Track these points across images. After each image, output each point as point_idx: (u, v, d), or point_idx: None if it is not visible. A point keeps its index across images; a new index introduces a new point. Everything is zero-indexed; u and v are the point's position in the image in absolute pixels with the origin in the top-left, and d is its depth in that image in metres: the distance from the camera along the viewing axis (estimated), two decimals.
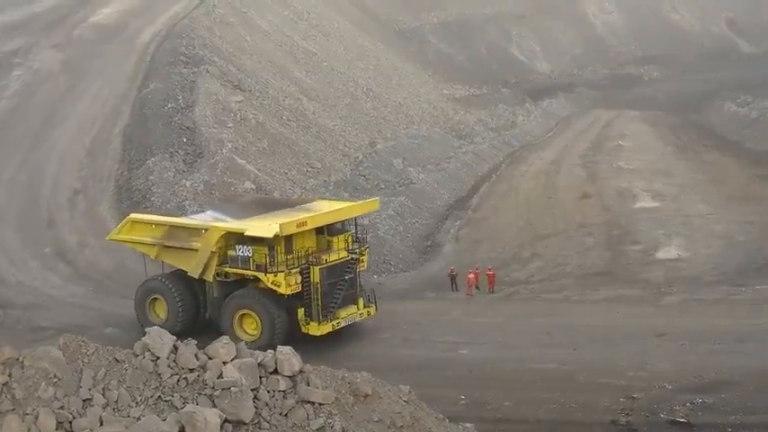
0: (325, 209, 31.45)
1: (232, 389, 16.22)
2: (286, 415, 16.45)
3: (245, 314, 29.77)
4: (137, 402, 16.07)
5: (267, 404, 16.46)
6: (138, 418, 15.65)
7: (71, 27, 63.98)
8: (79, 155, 48.73)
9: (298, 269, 28.90)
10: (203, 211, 34.28)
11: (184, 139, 47.39)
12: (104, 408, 15.83)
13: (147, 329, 17.32)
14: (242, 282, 30.24)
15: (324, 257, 29.47)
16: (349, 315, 30.13)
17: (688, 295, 34.45)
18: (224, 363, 16.71)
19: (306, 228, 29.34)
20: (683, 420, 23.83)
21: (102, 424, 15.54)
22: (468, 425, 20.52)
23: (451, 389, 26.04)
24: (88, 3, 68.96)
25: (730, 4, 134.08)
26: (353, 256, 30.52)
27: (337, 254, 30.05)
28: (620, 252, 40.62)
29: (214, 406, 16.03)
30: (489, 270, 36.94)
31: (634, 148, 69.81)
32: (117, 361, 16.55)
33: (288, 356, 16.89)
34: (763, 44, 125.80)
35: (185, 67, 54.85)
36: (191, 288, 31.08)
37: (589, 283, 36.45)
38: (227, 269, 30.08)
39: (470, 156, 63.10)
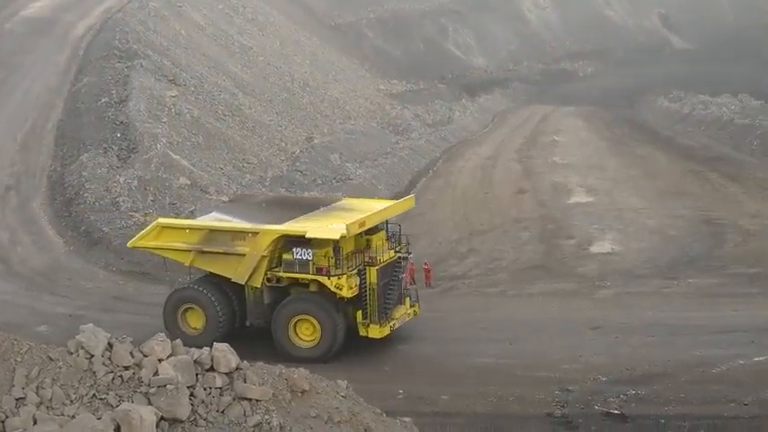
0: (363, 207, 30.33)
1: (168, 386, 16.09)
2: (223, 412, 16.37)
3: (300, 320, 28.28)
4: (71, 401, 15.88)
5: (203, 401, 16.37)
6: (73, 417, 15.46)
7: (2, 20, 62.89)
8: (11, 150, 47.94)
9: (355, 270, 27.86)
10: (208, 213, 32.60)
11: (118, 135, 46.88)
12: (38, 406, 15.61)
13: (81, 327, 17.06)
14: (287, 287, 28.85)
15: (378, 258, 28.47)
16: (401, 315, 29.20)
17: (621, 289, 34.87)
18: (159, 360, 16.57)
19: (364, 228, 28.42)
20: (617, 412, 24.16)
21: (35, 423, 15.32)
22: (407, 419, 20.59)
23: (389, 384, 26.13)
24: None
25: None
26: (401, 254, 29.65)
27: (387, 253, 29.01)
28: (555, 246, 41.02)
29: (150, 404, 15.90)
30: (426, 265, 37.04)
31: (569, 144, 70.57)
32: (51, 359, 16.33)
33: (224, 353, 16.81)
34: (696, 40, 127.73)
35: (119, 62, 54.25)
36: (226, 295, 29.29)
37: (525, 278, 36.75)
38: (280, 274, 28.32)
39: (407, 151, 63.24)
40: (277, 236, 28.27)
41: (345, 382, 18.75)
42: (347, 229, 27.35)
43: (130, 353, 16.58)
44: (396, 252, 29.55)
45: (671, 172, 57.39)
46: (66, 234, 41.57)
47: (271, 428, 16.33)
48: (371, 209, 30.14)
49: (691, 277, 35.69)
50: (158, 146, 45.41)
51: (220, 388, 16.58)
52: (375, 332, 28.30)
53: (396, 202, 31.66)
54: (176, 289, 30.21)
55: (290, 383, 17.21)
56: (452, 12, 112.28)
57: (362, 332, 28.47)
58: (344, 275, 27.44)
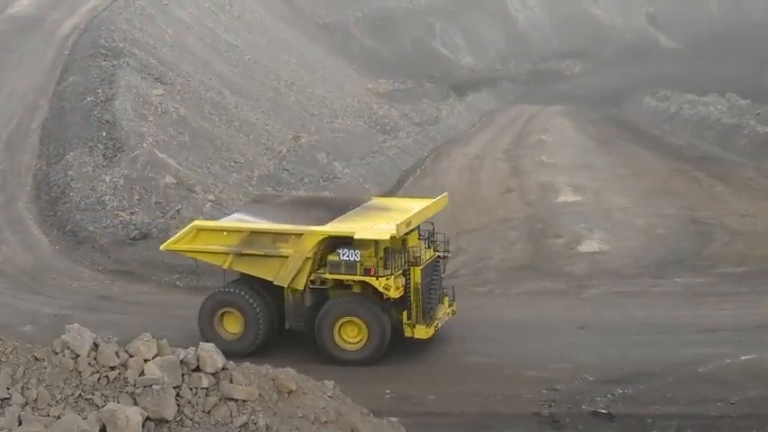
0: (399, 207, 30.10)
1: (154, 387, 16.01)
2: (209, 412, 16.29)
3: (345, 322, 27.79)
4: (57, 401, 15.80)
5: (190, 402, 16.29)
6: (58, 417, 15.38)
7: None
8: None
9: (400, 271, 27.54)
10: (231, 214, 32.11)
11: (104, 133, 46.67)
12: (23, 407, 15.52)
13: (67, 327, 16.95)
14: (327, 290, 28.32)
15: (421, 257, 28.13)
16: (443, 315, 28.89)
17: (609, 288, 34.90)
18: (145, 360, 16.49)
19: (410, 228, 28.11)
20: (604, 411, 24.16)
21: (20, 423, 15.22)
22: (394, 419, 20.56)
23: (377, 384, 26.06)
24: None
25: None
26: (440, 253, 29.35)
27: (427, 252, 28.68)
28: (543, 246, 41.02)
29: (136, 404, 15.83)
30: None
31: (556, 143, 70.58)
32: (36, 359, 16.23)
33: (210, 353, 16.73)
34: (683, 39, 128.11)
35: (105, 60, 54.03)
36: (264, 298, 28.67)
37: (513, 277, 36.73)
38: (325, 275, 27.74)
39: (395, 150, 63.20)
40: (322, 237, 27.76)
41: (332, 382, 18.70)
42: (397, 229, 27.07)
43: (116, 353, 16.49)
44: (434, 251, 29.22)
45: (658, 171, 57.49)
46: (52, 233, 41.42)
47: (257, 429, 16.27)
48: (407, 208, 29.91)
49: (678, 276, 35.74)
50: (144, 145, 45.24)
51: (207, 388, 16.50)
52: (422, 332, 27.93)
53: (433, 200, 30.98)
54: (214, 292, 29.55)
55: (276, 384, 17.14)
56: (440, 11, 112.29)
57: (408, 333, 28.09)
58: (392, 276, 27.14)
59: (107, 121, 47.45)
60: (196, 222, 30.35)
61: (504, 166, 61.38)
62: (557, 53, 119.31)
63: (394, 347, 28.05)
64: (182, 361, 16.62)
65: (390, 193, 52.47)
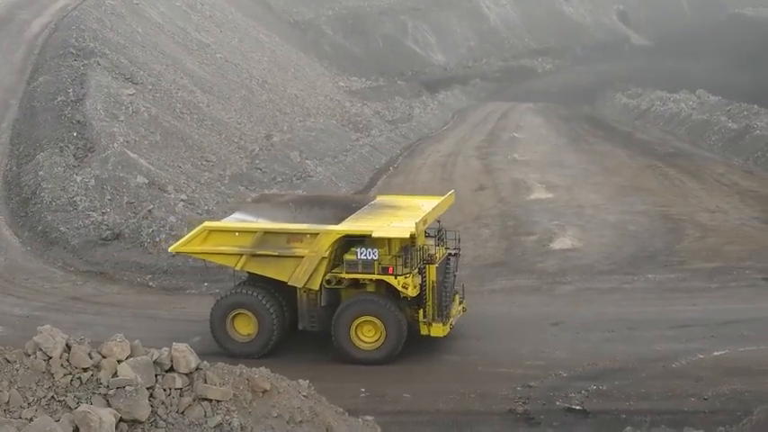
0: (407, 204, 30.08)
1: (127, 388, 15.93)
2: (183, 413, 16.23)
3: (362, 322, 27.56)
4: (29, 403, 15.69)
5: (163, 402, 16.21)
6: (31, 419, 15.27)
7: None
8: None
9: (417, 269, 27.35)
10: (230, 214, 31.39)
11: (75, 134, 46.35)
12: None
13: (39, 329, 16.80)
14: (339, 290, 28.08)
15: (435, 255, 28.02)
16: (456, 313, 28.81)
17: (582, 284, 35.03)
18: (118, 361, 16.40)
19: (426, 226, 27.99)
20: (578, 407, 24.25)
21: None
22: (369, 417, 20.57)
23: (352, 382, 26.05)
24: None
25: None
26: (451, 251, 29.15)
27: (439, 250, 28.54)
28: (516, 243, 41.10)
29: (109, 405, 15.74)
30: None
31: (528, 140, 70.86)
32: (8, 361, 16.11)
33: (184, 353, 16.66)
34: (654, 36, 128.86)
35: (75, 60, 53.66)
36: (276, 299, 28.32)
37: (486, 274, 36.77)
38: (342, 275, 27.41)
39: (367, 148, 63.20)
40: (339, 236, 27.51)
41: (307, 381, 18.66)
42: (416, 227, 26.99)
43: (89, 354, 16.39)
44: (446, 249, 29.08)
45: (630, 168, 57.79)
46: (23, 234, 41.14)
47: (232, 429, 16.22)
48: (416, 205, 29.87)
49: (650, 272, 35.90)
50: (115, 145, 44.97)
51: (180, 389, 16.43)
52: (438, 330, 27.84)
53: (443, 198, 30.80)
54: (226, 294, 29.02)
55: (250, 383, 17.09)
56: (411, 9, 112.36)
57: (424, 331, 27.96)
58: (410, 274, 26.99)
59: (78, 121, 47.13)
60: (207, 223, 29.73)
61: (476, 164, 61.50)
62: (528, 51, 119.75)
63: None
64: (155, 361, 16.54)
65: (363, 191, 52.43)
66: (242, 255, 28.17)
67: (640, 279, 35.22)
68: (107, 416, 15.26)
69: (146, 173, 43.85)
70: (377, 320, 27.52)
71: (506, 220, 44.82)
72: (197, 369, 16.71)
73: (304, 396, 17.97)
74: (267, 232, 28.19)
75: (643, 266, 36.71)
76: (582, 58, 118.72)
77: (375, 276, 27.21)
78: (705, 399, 24.31)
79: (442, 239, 29.13)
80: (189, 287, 36.44)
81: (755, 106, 65.87)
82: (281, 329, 28.32)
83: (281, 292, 28.39)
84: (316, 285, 27.77)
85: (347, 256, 27.29)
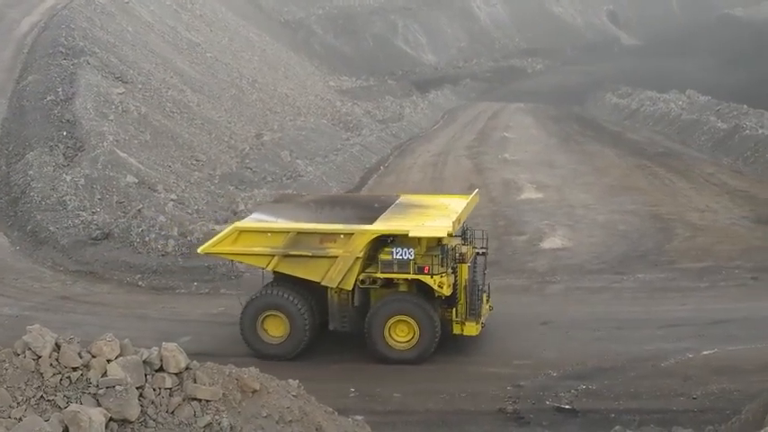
0: (434, 204, 29.95)
1: (117, 387, 15.87)
2: (172, 413, 16.18)
3: (395, 321, 27.32)
4: (18, 403, 15.61)
5: (153, 402, 16.17)
6: (20, 419, 15.20)
7: None
8: None
9: (450, 268, 27.19)
10: (250, 214, 31.25)
11: (64, 133, 46.27)
12: None
13: (28, 328, 16.75)
14: (369, 290, 27.80)
15: (466, 254, 27.87)
16: (485, 312, 28.68)
17: (572, 284, 35.09)
18: (108, 361, 16.35)
19: (459, 225, 27.88)
20: (568, 407, 24.28)
21: None
22: (359, 417, 20.55)
23: (341, 382, 26.04)
24: None
25: None
26: (478, 250, 28.93)
27: (470, 249, 28.40)
28: (506, 242, 41.13)
29: (98, 405, 15.69)
30: None
31: (519, 140, 71.00)
32: None
33: (173, 353, 16.62)
34: (643, 36, 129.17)
35: (65, 59, 53.55)
36: (306, 299, 28.00)
37: None
38: (376, 275, 27.12)
39: (358, 148, 63.20)
40: (374, 236, 27.24)
41: (297, 381, 18.63)
42: (453, 225, 26.89)
43: (78, 353, 16.33)
44: (473, 248, 28.95)
45: (619, 167, 57.92)
46: (12, 234, 41.06)
47: (221, 429, 16.19)
48: (442, 204, 29.78)
49: (640, 272, 35.98)
50: (105, 144, 44.89)
51: (170, 388, 16.38)
52: (472, 329, 27.76)
53: (470, 197, 30.59)
54: (256, 295, 28.54)
55: (240, 383, 17.05)
56: (402, 8, 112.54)
57: (457, 330, 27.84)
58: (446, 274, 26.87)
59: (67, 121, 47.04)
60: (237, 224, 29.26)
61: (467, 164, 61.57)
62: (519, 51, 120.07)
63: (357, 346, 28.05)
64: (145, 361, 16.50)
65: (354, 191, 52.49)
66: (274, 255, 27.77)
67: (630, 278, 35.29)
68: (97, 415, 15.21)
69: (135, 172, 43.78)
70: (411, 320, 27.34)
71: (497, 220, 44.85)
72: (186, 369, 16.67)
73: (294, 396, 17.94)
74: (300, 232, 27.79)
75: (633, 266, 36.79)
76: (572, 59, 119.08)
77: (411, 276, 27.03)
78: (694, 398, 24.34)
79: (467, 239, 29.05)
80: (178, 287, 36.39)
81: (745, 106, 66.13)
82: (312, 331, 28.05)
83: (310, 292, 28.12)
84: (349, 285, 27.49)
85: (382, 256, 27.03)
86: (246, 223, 29.31)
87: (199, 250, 30.17)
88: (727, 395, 24.31)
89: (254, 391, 17.15)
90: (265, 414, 16.94)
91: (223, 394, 16.63)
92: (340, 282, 27.43)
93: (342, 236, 27.36)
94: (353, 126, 69.98)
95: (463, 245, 28.58)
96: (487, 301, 29.27)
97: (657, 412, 23.62)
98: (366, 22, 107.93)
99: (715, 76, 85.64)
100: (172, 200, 42.33)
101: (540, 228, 42.98)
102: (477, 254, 28.97)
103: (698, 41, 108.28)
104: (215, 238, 29.18)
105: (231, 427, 16.32)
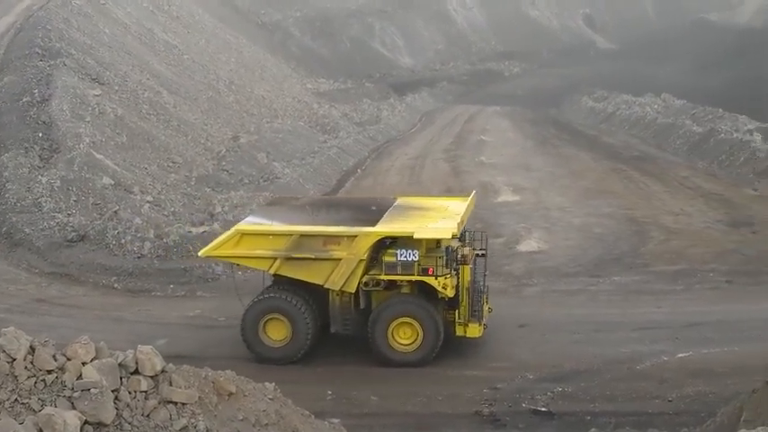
0: (433, 206, 29.94)
1: (92, 390, 15.78)
2: (148, 416, 16.10)
3: (399, 324, 27.21)
4: None
5: (128, 405, 16.08)
6: None
7: None
8: None
9: (453, 270, 27.11)
10: (245, 217, 30.92)
11: (40, 134, 46.02)
12: None
13: (2, 330, 16.63)
14: (371, 292, 27.65)
15: (468, 256, 27.71)
16: (486, 314, 28.56)
17: (548, 287, 35.22)
18: (83, 364, 16.26)
19: (462, 226, 27.86)
20: (544, 409, 24.36)
21: None
22: (335, 420, 20.55)
23: (318, 385, 26.01)
24: None
25: (587, 0, 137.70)
26: (478, 252, 28.80)
27: (471, 251, 28.25)
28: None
29: (73, 408, 15.59)
30: None
31: (495, 143, 71.14)
32: None
33: (149, 356, 16.54)
34: (619, 40, 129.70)
35: (41, 60, 53.27)
36: (308, 302, 27.82)
37: None
38: (380, 277, 27.01)
39: (335, 150, 63.15)
40: (378, 238, 27.12)
41: (273, 384, 18.60)
42: (458, 227, 26.91)
43: (53, 356, 16.22)
44: (473, 250, 28.78)
45: (595, 171, 58.16)
46: None
47: None
48: (441, 206, 29.78)
49: (615, 275, 36.16)
50: (81, 145, 44.69)
51: (145, 391, 16.30)
52: (474, 331, 27.73)
53: (468, 198, 30.54)
54: (258, 298, 28.30)
55: (216, 386, 17.00)
56: (379, 11, 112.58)
57: (460, 332, 27.78)
58: (449, 275, 26.83)
59: (43, 122, 46.78)
60: (239, 227, 28.77)
61: (444, 166, 61.64)
62: (495, 54, 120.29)
63: (334, 349, 28.03)
64: (120, 364, 16.41)
65: (331, 193, 52.46)
66: (276, 258, 27.54)
67: (605, 281, 35.45)
68: (72, 418, 15.12)
69: (111, 174, 43.61)
70: (414, 322, 27.28)
71: (474, 223, 44.70)
72: (162, 372, 16.59)
73: (270, 399, 17.91)
74: (303, 235, 27.60)
75: (608, 269, 36.96)
76: (548, 62, 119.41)
77: (415, 278, 26.95)
78: (669, 400, 24.48)
79: (465, 240, 28.99)
80: (154, 289, 36.26)
81: (720, 110, 66.58)
82: (314, 334, 27.92)
83: (310, 294, 27.96)
84: (352, 288, 27.36)
85: (386, 258, 26.93)
86: (248, 226, 28.91)
87: (200, 253, 29.79)
88: (702, 398, 24.45)
89: (231, 394, 17.10)
90: (241, 417, 16.90)
91: (199, 397, 16.57)
92: (343, 284, 27.27)
93: (345, 238, 27.22)
94: (330, 128, 69.92)
95: (462, 246, 28.54)
96: (486, 302, 29.24)
97: (633, 414, 23.72)
98: (343, 24, 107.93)
99: (690, 80, 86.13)
100: (148, 202, 42.18)
101: (517, 230, 43.10)
102: (477, 255, 28.91)
103: (673, 46, 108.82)
104: (216, 241, 28.86)
105: (207, 430, 16.26)
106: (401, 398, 25.29)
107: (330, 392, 25.64)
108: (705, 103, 70.28)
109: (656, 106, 77.08)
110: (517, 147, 69.53)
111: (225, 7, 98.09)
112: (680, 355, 27.47)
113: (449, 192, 52.24)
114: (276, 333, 27.93)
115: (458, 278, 27.48)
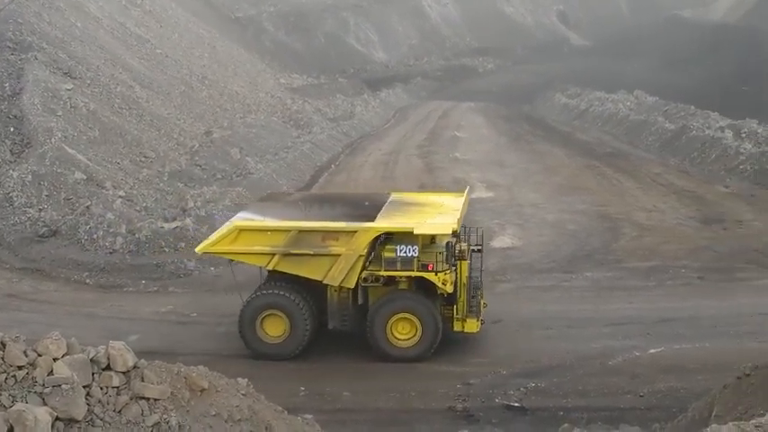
0: (427, 201, 30.03)
1: (63, 386, 15.67)
2: (120, 412, 16.01)
3: (397, 319, 27.15)
4: None
5: (100, 401, 15.99)
6: None
7: None
8: None
9: (452, 265, 27.02)
10: (237, 213, 30.66)
11: (11, 129, 45.69)
12: None
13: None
14: (368, 288, 27.59)
15: (465, 251, 27.70)
16: (483, 308, 28.56)
17: (522, 283, 35.30)
18: (54, 359, 16.15)
19: (461, 221, 27.84)
20: (517, 405, 24.43)
21: None
22: (308, 416, 20.50)
23: (291, 381, 25.98)
24: None
25: None
26: (474, 247, 28.75)
27: (465, 247, 28.18)
28: None
29: (45, 404, 15.49)
30: None
31: (469, 139, 71.27)
32: None
33: (121, 352, 16.45)
34: (593, 37, 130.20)
35: (12, 54, 52.82)
36: (305, 298, 27.67)
37: None
38: (379, 272, 26.94)
39: (309, 146, 63.07)
40: (377, 234, 27.04)
41: (246, 379, 18.52)
42: (458, 223, 26.94)
43: (24, 352, 16.09)
44: (469, 245, 28.77)
45: (568, 167, 58.36)
46: None
47: (170, 428, 16.05)
48: (437, 202, 29.83)
49: (588, 271, 36.31)
50: (53, 140, 44.38)
51: (117, 387, 16.21)
52: (472, 326, 27.76)
53: (464, 194, 30.74)
54: (255, 295, 28.11)
55: (188, 382, 16.92)
56: (353, 6, 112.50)
57: (458, 327, 27.79)
58: (449, 271, 26.80)
59: (14, 116, 46.42)
60: (237, 223, 28.48)
61: (418, 163, 61.68)
62: (470, 50, 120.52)
63: (307, 345, 27.97)
64: (92, 359, 16.31)
65: (305, 188, 52.35)
66: (274, 254, 27.40)
67: (579, 277, 35.59)
68: (43, 414, 15.02)
69: (84, 169, 43.34)
70: (413, 318, 27.27)
71: None
72: (134, 367, 16.50)
73: (243, 394, 17.84)
74: (302, 231, 27.43)
75: (581, 265, 37.11)
76: (522, 58, 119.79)
77: (415, 273, 26.92)
78: (641, 396, 24.61)
79: (460, 235, 28.82)
80: (126, 285, 36.07)
81: (692, 107, 66.99)
82: (313, 330, 27.84)
83: (308, 290, 27.85)
84: (351, 284, 27.29)
85: (386, 254, 26.87)
86: (246, 222, 28.69)
87: (197, 250, 29.53)
88: (673, 393, 24.61)
89: (203, 390, 17.02)
90: (214, 413, 16.82)
91: (171, 393, 16.49)
92: (342, 280, 27.20)
93: (344, 234, 27.11)
94: (304, 124, 69.82)
95: (459, 242, 28.48)
96: (482, 297, 29.26)
97: (605, 410, 23.85)
98: (318, 19, 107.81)
99: (663, 77, 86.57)
100: (120, 197, 41.95)
101: (491, 227, 43.10)
102: (473, 251, 28.96)
103: (646, 42, 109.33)
104: (213, 238, 28.51)
105: (179, 426, 16.19)
106: (374, 394, 25.29)
107: (303, 388, 25.61)
108: (677, 100, 70.71)
109: (628, 103, 77.48)
110: (491, 143, 69.70)
111: (198, 2, 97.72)
112: (652, 350, 27.64)
113: (422, 188, 52.28)
114: (274, 329, 27.82)
115: (456, 274, 27.52)
